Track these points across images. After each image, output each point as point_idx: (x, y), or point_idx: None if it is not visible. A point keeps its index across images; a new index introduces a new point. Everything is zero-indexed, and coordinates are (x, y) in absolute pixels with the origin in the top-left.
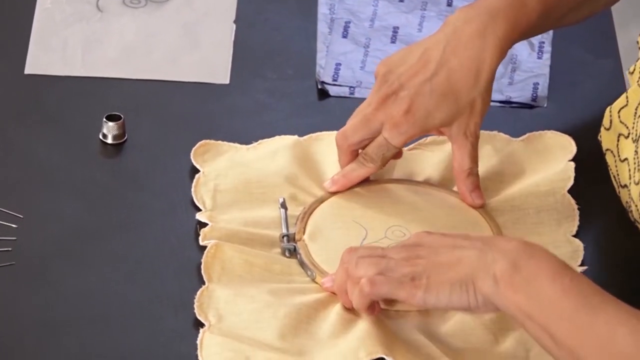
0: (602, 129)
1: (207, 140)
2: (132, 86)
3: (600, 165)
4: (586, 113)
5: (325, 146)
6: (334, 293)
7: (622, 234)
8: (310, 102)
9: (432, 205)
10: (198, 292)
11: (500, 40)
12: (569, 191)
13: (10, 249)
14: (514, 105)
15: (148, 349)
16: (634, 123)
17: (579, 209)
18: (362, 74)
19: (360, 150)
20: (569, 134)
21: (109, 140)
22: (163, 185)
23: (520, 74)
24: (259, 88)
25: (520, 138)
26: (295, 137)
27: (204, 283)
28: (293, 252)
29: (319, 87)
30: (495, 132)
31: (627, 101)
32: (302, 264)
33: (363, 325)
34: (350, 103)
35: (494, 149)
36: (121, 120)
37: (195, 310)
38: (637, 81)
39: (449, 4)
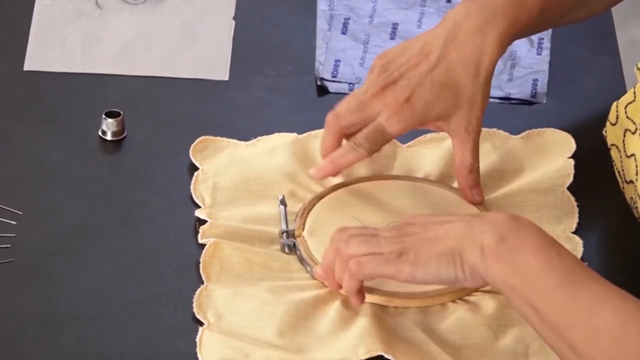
0: (607, 124)
1: (206, 137)
2: (132, 83)
3: (599, 162)
4: (585, 110)
5: None
6: (332, 290)
7: (621, 230)
8: (310, 99)
9: (432, 202)
10: (197, 292)
11: (500, 35)
12: (569, 188)
13: (9, 245)
14: (513, 101)
15: (147, 346)
16: None
17: (578, 206)
18: (362, 71)
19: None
20: (568, 131)
21: (108, 137)
22: (162, 182)
23: (520, 70)
24: (258, 84)
25: (520, 135)
26: (295, 134)
27: (203, 281)
28: (292, 249)
29: (318, 83)
30: (494, 130)
31: (635, 97)
32: (301, 260)
33: (362, 322)
34: None
35: (493, 146)
36: (120, 116)
37: (194, 310)
38: None
39: (448, 0)
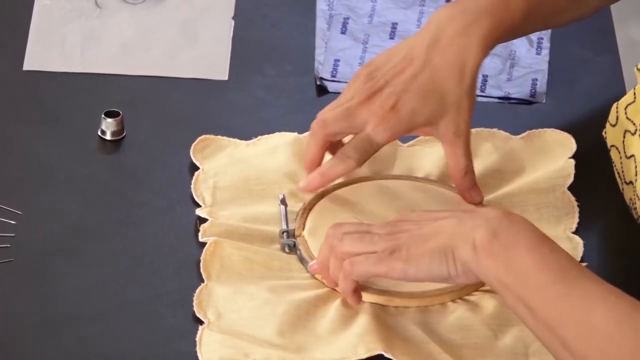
0: (607, 125)
1: (207, 136)
2: (131, 82)
3: (599, 162)
4: (585, 109)
5: None
6: (333, 289)
7: (621, 230)
8: (309, 98)
9: (432, 201)
10: (197, 290)
11: (483, 37)
12: (569, 188)
13: (8, 245)
14: (512, 101)
15: (147, 346)
16: None
17: (578, 206)
18: None
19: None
20: (568, 131)
21: (108, 137)
22: (162, 181)
23: (519, 70)
24: (258, 84)
25: (520, 135)
26: (295, 134)
27: (203, 280)
28: (293, 248)
29: (318, 83)
30: (495, 130)
31: (635, 98)
32: (301, 259)
33: (362, 322)
34: None
35: (493, 146)
36: (120, 116)
37: (195, 308)
38: None
39: (448, 0)
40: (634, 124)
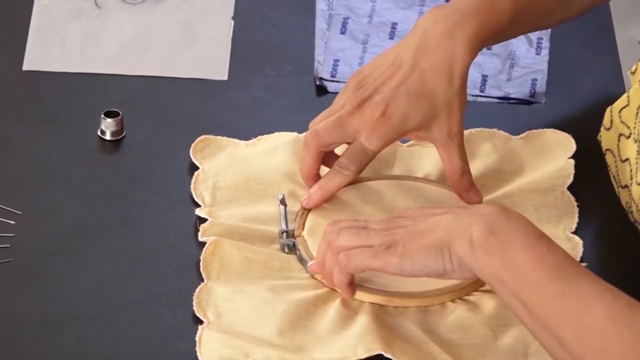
0: (602, 129)
1: (207, 136)
2: (131, 82)
3: (599, 162)
4: (584, 109)
5: None
6: (333, 289)
7: (621, 230)
8: (309, 99)
9: (432, 202)
10: (197, 290)
11: (470, 39)
12: (569, 188)
13: (8, 245)
14: (511, 101)
15: (147, 346)
16: (635, 123)
17: (578, 206)
18: None
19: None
20: (567, 131)
21: (107, 137)
22: (162, 181)
23: (519, 70)
24: (257, 84)
25: (520, 136)
26: (295, 133)
27: (203, 280)
28: (292, 248)
29: (317, 83)
30: (494, 130)
31: (629, 101)
32: (301, 259)
33: (362, 322)
34: None
35: (493, 146)
36: (119, 116)
37: (194, 308)
38: (639, 81)
39: (447, 0)
40: (629, 128)
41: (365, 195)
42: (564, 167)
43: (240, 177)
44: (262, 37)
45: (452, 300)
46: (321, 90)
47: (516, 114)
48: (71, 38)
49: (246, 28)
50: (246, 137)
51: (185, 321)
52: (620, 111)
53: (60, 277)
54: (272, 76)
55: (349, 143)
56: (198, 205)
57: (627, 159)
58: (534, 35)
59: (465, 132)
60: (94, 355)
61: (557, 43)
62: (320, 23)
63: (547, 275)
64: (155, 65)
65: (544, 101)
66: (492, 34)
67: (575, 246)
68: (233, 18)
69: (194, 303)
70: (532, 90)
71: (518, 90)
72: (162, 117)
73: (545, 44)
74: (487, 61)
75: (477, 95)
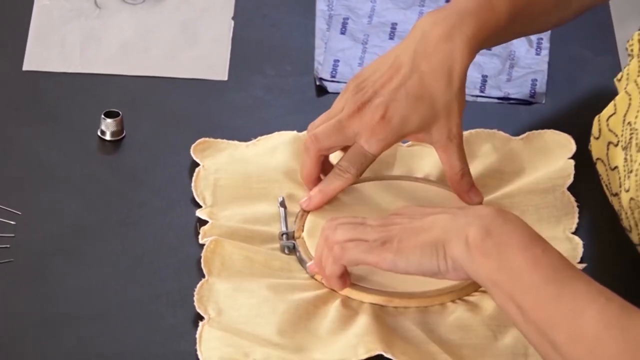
0: (591, 138)
1: (206, 138)
2: (131, 83)
3: None
4: (584, 110)
5: None
6: (333, 290)
7: (621, 231)
8: (309, 99)
9: (431, 202)
10: (198, 285)
11: (469, 40)
12: (569, 189)
13: (8, 245)
14: (511, 101)
15: (147, 346)
16: (622, 131)
17: (578, 206)
18: None
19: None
20: (567, 131)
21: (108, 137)
22: (162, 181)
23: (519, 70)
24: (257, 84)
25: (520, 137)
26: (295, 132)
27: (203, 279)
28: (292, 250)
29: (317, 83)
30: (494, 131)
31: (615, 109)
32: (300, 261)
33: (362, 322)
34: None
35: (493, 147)
36: (119, 116)
37: (195, 303)
38: (625, 88)
39: (447, 0)
40: (616, 136)
41: (365, 196)
42: (564, 168)
43: (241, 174)
44: (262, 37)
45: (452, 301)
46: (321, 91)
47: (516, 114)
48: (71, 38)
49: (246, 28)
50: (246, 137)
51: (185, 321)
52: (607, 119)
53: (60, 277)
54: (272, 76)
55: (348, 146)
56: (198, 205)
57: (616, 167)
58: (533, 36)
59: (465, 132)
60: (94, 355)
61: (557, 43)
62: (320, 23)
63: (542, 277)
64: (155, 66)
65: (544, 101)
66: (490, 35)
67: (575, 247)
68: (233, 18)
69: (194, 299)
70: (532, 91)
71: (518, 90)
72: (162, 117)
73: (545, 44)
74: (487, 61)
75: (477, 96)
